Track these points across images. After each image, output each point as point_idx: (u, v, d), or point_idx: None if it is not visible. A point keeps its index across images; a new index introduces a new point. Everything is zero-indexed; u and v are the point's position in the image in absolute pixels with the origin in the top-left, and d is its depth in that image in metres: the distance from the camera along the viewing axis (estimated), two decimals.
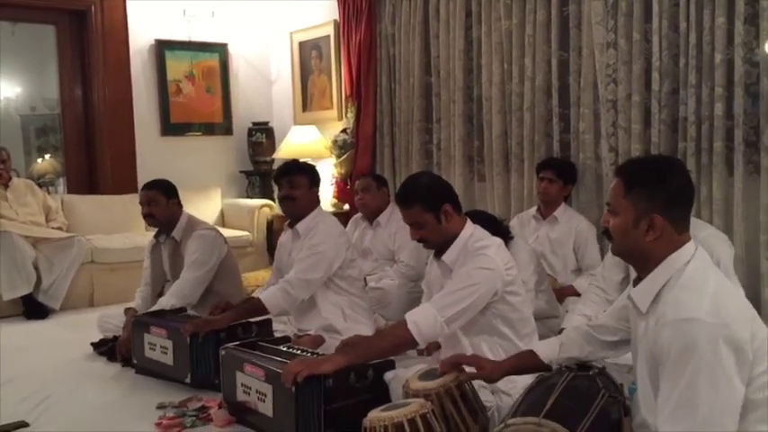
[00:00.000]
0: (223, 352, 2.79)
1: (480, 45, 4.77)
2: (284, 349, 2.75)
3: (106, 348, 3.72)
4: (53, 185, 7.03)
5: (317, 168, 3.61)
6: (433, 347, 2.93)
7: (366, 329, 3.35)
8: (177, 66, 6.27)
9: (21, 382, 3.32)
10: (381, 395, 2.44)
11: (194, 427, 2.71)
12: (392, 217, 4.35)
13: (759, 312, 3.21)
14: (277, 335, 3.22)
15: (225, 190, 6.46)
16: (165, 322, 3.26)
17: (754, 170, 3.55)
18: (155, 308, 3.54)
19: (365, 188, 4.41)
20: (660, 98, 3.81)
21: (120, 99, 5.98)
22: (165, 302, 3.54)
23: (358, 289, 3.50)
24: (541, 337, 2.57)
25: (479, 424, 2.23)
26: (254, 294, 3.73)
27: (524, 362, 2.20)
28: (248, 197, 6.46)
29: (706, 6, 3.58)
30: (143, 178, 5.81)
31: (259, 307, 3.21)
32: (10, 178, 5.18)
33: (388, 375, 2.52)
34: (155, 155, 6.10)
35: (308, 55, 6.31)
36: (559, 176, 4.03)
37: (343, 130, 5.75)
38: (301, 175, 3.39)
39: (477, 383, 2.33)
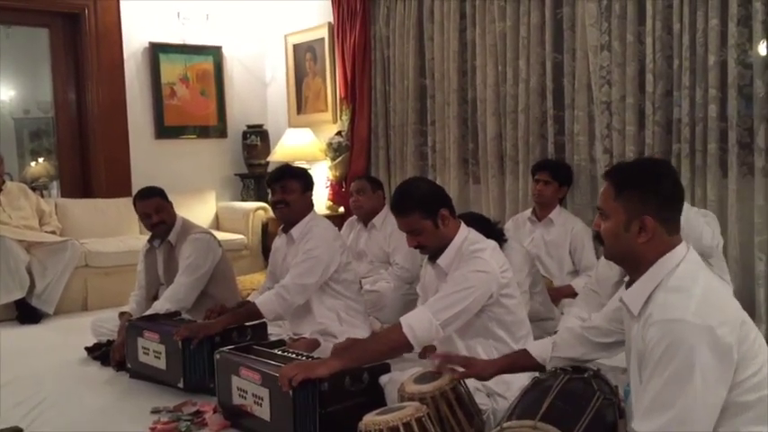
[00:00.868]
0: (218, 356, 2.78)
1: (474, 47, 4.78)
2: (279, 353, 2.74)
3: (100, 353, 3.70)
4: (47, 189, 7.00)
5: (309, 172, 3.61)
6: (429, 350, 2.93)
7: (361, 333, 3.35)
8: (171, 68, 6.25)
9: (15, 387, 3.31)
10: (377, 398, 2.44)
11: None
12: (387, 219, 4.34)
13: (753, 313, 3.25)
14: (272, 338, 3.21)
15: (219, 193, 6.44)
16: (158, 326, 3.25)
17: (748, 172, 3.56)
18: (149, 312, 3.53)
19: (360, 190, 4.41)
20: (654, 100, 3.82)
21: (113, 102, 5.97)
22: (160, 306, 3.53)
23: (353, 292, 3.49)
24: (537, 339, 2.57)
25: (475, 427, 2.23)
26: (249, 298, 3.73)
27: (517, 361, 2.21)
28: (243, 200, 6.45)
29: (699, 8, 3.59)
30: (137, 182, 5.81)
31: (254, 312, 3.21)
32: (3, 182, 5.16)
33: (384, 379, 2.52)
34: (149, 158, 6.08)
35: (303, 57, 6.31)
36: (555, 178, 4.04)
37: (338, 133, 5.75)
38: (294, 180, 3.38)
39: (472, 386, 2.33)
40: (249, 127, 6.50)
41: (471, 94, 4.87)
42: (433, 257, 2.65)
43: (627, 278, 1.85)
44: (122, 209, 5.70)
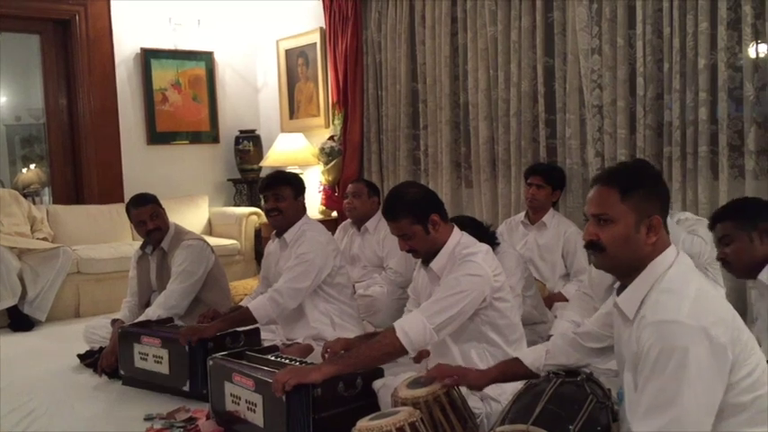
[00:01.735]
0: (211, 362, 2.77)
1: (466, 51, 4.79)
2: (272, 358, 2.74)
3: (93, 360, 3.68)
4: (38, 195, 6.97)
5: (301, 177, 3.61)
6: (423, 355, 2.93)
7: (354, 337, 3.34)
8: (163, 74, 6.25)
9: (7, 395, 3.29)
10: (370, 404, 2.43)
11: None
12: (380, 223, 4.34)
13: (744, 313, 3.26)
14: (265, 344, 3.20)
15: (212, 198, 6.43)
16: (156, 332, 3.24)
17: (738, 174, 3.58)
18: (141, 318, 3.52)
19: (356, 193, 4.39)
20: (645, 103, 3.84)
21: (105, 108, 5.96)
22: (152, 313, 3.52)
23: (346, 296, 3.49)
24: (530, 343, 2.58)
25: (468, 431, 2.23)
26: (241, 303, 3.71)
27: (510, 369, 2.21)
28: (236, 205, 6.45)
29: (689, 12, 3.61)
30: (129, 188, 5.80)
31: (248, 316, 3.20)
32: None
33: (377, 384, 2.51)
34: (141, 164, 6.07)
35: (295, 62, 6.31)
36: (548, 182, 4.04)
37: (331, 138, 5.75)
38: (286, 187, 3.39)
39: (465, 390, 2.33)
40: (241, 132, 6.50)
41: (463, 99, 4.88)
42: (426, 261, 2.65)
43: (617, 284, 1.84)
44: (114, 215, 5.68)
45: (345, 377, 2.46)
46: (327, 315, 3.38)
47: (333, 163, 5.68)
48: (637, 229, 1.73)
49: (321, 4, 5.76)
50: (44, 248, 5.00)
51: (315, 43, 6.03)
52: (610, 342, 1.99)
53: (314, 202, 5.69)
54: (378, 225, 4.35)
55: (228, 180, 6.58)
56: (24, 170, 7.57)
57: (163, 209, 3.79)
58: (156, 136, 6.25)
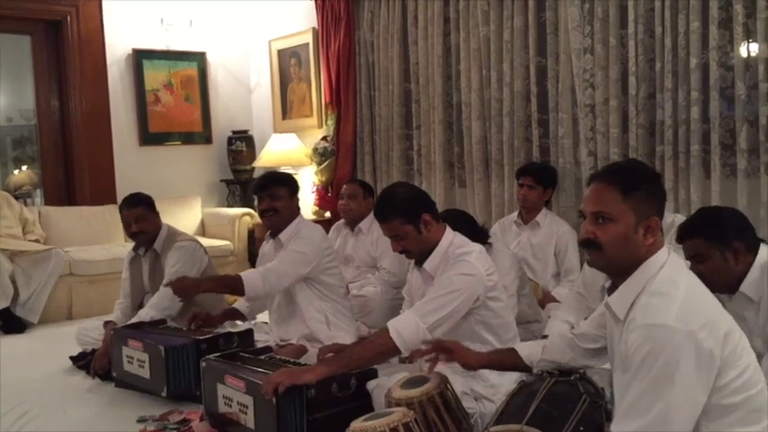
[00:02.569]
0: (204, 363, 2.76)
1: (459, 51, 4.79)
2: (266, 360, 2.73)
3: (85, 362, 3.66)
4: (30, 197, 6.93)
5: (294, 177, 3.60)
6: (416, 354, 2.93)
7: (348, 337, 3.33)
8: (155, 75, 6.23)
9: None
10: (364, 404, 2.43)
11: None
12: (374, 224, 4.31)
13: None
14: (259, 345, 3.19)
15: (205, 199, 6.42)
16: (141, 335, 3.23)
17: (730, 173, 3.59)
18: (133, 320, 3.51)
19: (352, 195, 4.37)
20: (637, 102, 3.85)
21: (97, 109, 5.93)
22: (145, 315, 3.50)
23: (340, 296, 3.48)
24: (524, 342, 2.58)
25: (462, 431, 2.23)
26: (234, 305, 3.70)
27: (505, 358, 2.22)
28: (229, 206, 6.43)
29: (681, 11, 3.62)
30: (121, 189, 5.78)
31: (238, 283, 3.19)
32: None
33: (371, 384, 2.51)
34: (133, 165, 6.05)
35: (287, 63, 6.30)
36: (539, 182, 4.05)
37: (324, 138, 5.75)
38: (281, 187, 3.37)
39: (459, 390, 2.34)
40: (234, 133, 6.48)
41: (456, 98, 4.89)
42: (419, 262, 2.65)
43: (608, 284, 1.83)
44: (107, 216, 5.66)
45: (339, 378, 2.45)
46: (322, 313, 3.37)
47: (326, 163, 5.67)
48: (635, 229, 1.72)
49: (314, 4, 5.76)
50: (36, 250, 4.98)
51: (307, 43, 6.03)
52: (604, 343, 1.99)
53: (307, 203, 5.68)
54: (371, 225, 4.34)
55: (221, 181, 6.57)
56: (16, 171, 7.52)
57: (154, 212, 3.77)
58: (149, 137, 6.23)
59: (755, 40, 3.43)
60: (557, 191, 4.26)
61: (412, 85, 5.18)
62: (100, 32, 5.93)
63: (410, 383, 2.27)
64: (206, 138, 6.52)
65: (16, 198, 5.65)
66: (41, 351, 4.18)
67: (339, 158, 5.64)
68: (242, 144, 6.42)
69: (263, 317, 3.83)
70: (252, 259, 5.73)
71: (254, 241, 5.85)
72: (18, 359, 4.02)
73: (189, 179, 6.39)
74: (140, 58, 6.14)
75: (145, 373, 3.13)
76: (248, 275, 3.22)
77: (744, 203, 3.46)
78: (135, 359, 3.18)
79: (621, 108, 3.97)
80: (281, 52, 6.35)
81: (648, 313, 1.63)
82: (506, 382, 2.43)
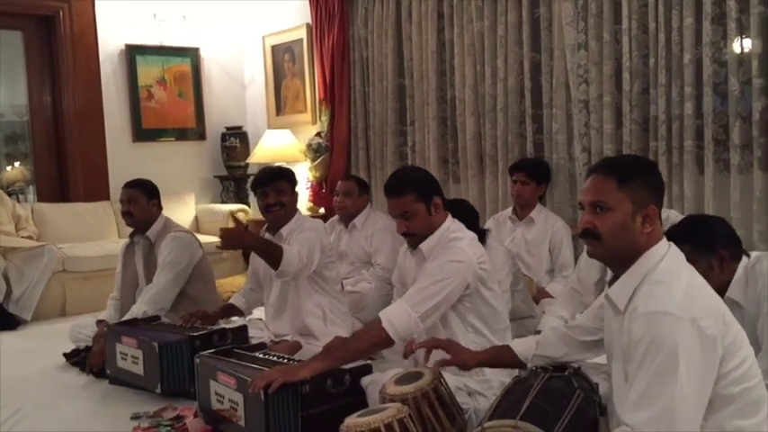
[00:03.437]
0: (198, 360, 2.76)
1: (453, 47, 4.79)
2: (260, 356, 2.73)
3: (79, 359, 3.66)
4: (23, 194, 6.90)
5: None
6: (412, 349, 2.93)
7: (344, 333, 3.32)
8: (148, 71, 6.20)
9: None
10: (358, 400, 2.42)
11: None
12: (368, 220, 4.33)
13: None
14: (253, 341, 3.19)
15: (199, 195, 6.40)
16: (135, 332, 3.23)
17: (724, 168, 3.60)
18: (126, 317, 3.50)
19: (348, 192, 4.35)
20: (631, 98, 3.85)
21: (90, 105, 5.91)
22: (137, 311, 3.50)
23: (337, 292, 3.48)
24: (517, 338, 2.58)
25: (456, 427, 2.23)
26: (231, 301, 3.68)
27: (500, 356, 2.22)
28: (223, 202, 6.41)
29: (674, 7, 3.63)
30: (115, 185, 5.76)
31: (279, 252, 3.05)
32: None
33: (365, 380, 2.51)
34: (127, 161, 6.02)
35: (281, 58, 6.28)
36: (532, 177, 4.04)
37: (318, 134, 5.74)
38: (285, 181, 3.35)
39: (453, 386, 2.34)
40: (228, 129, 6.46)
41: (450, 94, 4.88)
42: (415, 245, 2.64)
43: (609, 277, 1.84)
44: (100, 213, 5.64)
45: (333, 374, 2.45)
46: (320, 307, 3.36)
47: (320, 159, 5.67)
48: (633, 218, 1.73)
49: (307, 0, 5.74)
50: (29, 247, 4.97)
51: (301, 39, 6.01)
52: (600, 335, 1.99)
53: (301, 199, 5.64)
54: (366, 221, 4.35)
55: (215, 177, 6.55)
56: (8, 168, 7.48)
57: (151, 199, 3.74)
58: (142, 133, 6.21)
59: (749, 36, 3.44)
60: (551, 186, 4.26)
61: (406, 81, 5.18)
62: (92, 28, 5.90)
63: (404, 379, 2.27)
64: (200, 134, 6.50)
65: (9, 195, 5.63)
66: (35, 348, 4.16)
67: (333, 154, 5.64)
68: (236, 140, 6.40)
69: (257, 313, 3.83)
70: (246, 255, 5.70)
71: None
72: (11, 356, 4.00)
73: (182, 175, 6.36)
74: (133, 53, 6.11)
75: (139, 369, 3.13)
76: (289, 250, 3.09)
77: (737, 199, 3.47)
78: (129, 356, 3.18)
79: (615, 104, 3.97)
80: (274, 48, 6.33)
81: (651, 302, 1.64)
82: (500, 377, 2.44)
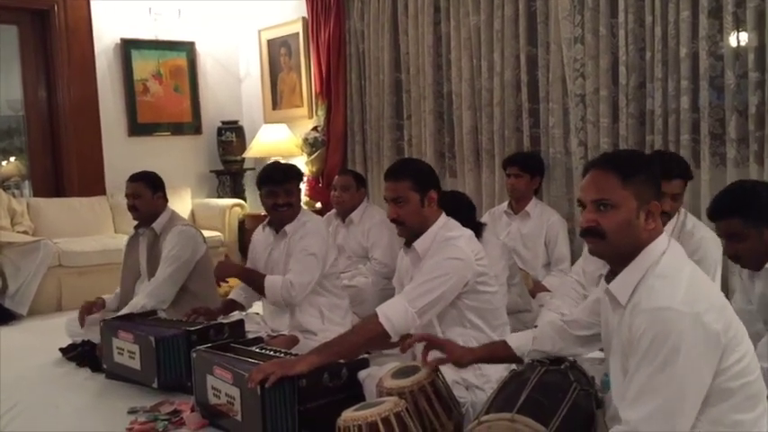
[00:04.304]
0: (194, 354, 2.76)
1: (449, 41, 4.78)
2: (257, 350, 2.73)
3: (75, 353, 3.66)
4: (18, 188, 6.88)
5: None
6: (409, 344, 2.93)
7: (342, 331, 3.32)
8: (144, 65, 6.18)
9: None
10: (355, 394, 2.43)
11: None
12: (365, 214, 4.33)
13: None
14: (250, 336, 3.19)
15: (195, 190, 6.39)
16: (131, 326, 3.23)
17: (720, 162, 3.60)
18: (125, 310, 3.49)
19: (345, 187, 4.34)
20: (627, 92, 3.85)
21: (85, 100, 5.89)
22: (136, 303, 3.49)
23: (337, 288, 3.46)
24: (515, 332, 2.58)
25: (453, 420, 2.23)
26: (230, 296, 3.66)
27: (496, 351, 2.22)
28: (219, 197, 6.40)
29: (671, 0, 3.62)
30: (110, 180, 5.76)
31: (260, 284, 3.21)
32: None
33: (362, 374, 2.51)
34: (122, 156, 6.00)
35: (277, 53, 6.27)
36: (525, 171, 4.03)
37: (314, 128, 5.73)
38: (295, 180, 3.35)
39: (450, 379, 2.34)
40: (224, 123, 6.45)
41: (447, 88, 4.88)
42: (409, 242, 2.64)
43: (605, 271, 1.83)
44: (96, 207, 5.63)
45: (331, 368, 2.45)
46: (317, 307, 3.35)
47: (316, 154, 5.66)
48: (637, 215, 1.71)
49: None
50: (24, 242, 4.96)
51: (297, 33, 5.99)
52: (596, 330, 2.00)
53: None
54: (363, 216, 4.34)
55: (211, 171, 6.54)
56: (4, 163, 7.46)
57: (156, 192, 3.73)
58: (138, 127, 6.19)
59: (745, 30, 3.44)
60: (547, 181, 4.26)
61: (402, 75, 5.17)
62: (87, 22, 5.87)
63: (401, 373, 2.27)
64: (195, 128, 6.48)
65: (4, 189, 5.62)
66: (31, 343, 4.17)
67: (330, 149, 5.63)
68: (232, 134, 6.39)
69: (255, 307, 3.82)
70: (242, 250, 5.71)
71: (244, 232, 5.83)
72: (7, 351, 4.00)
73: (178, 170, 6.33)
74: (129, 47, 6.09)
75: (135, 364, 3.13)
76: (272, 282, 3.20)
77: None
78: (125, 350, 3.18)
79: (612, 98, 3.97)
80: (270, 42, 6.31)
81: (654, 297, 1.64)
82: (497, 371, 2.44)
